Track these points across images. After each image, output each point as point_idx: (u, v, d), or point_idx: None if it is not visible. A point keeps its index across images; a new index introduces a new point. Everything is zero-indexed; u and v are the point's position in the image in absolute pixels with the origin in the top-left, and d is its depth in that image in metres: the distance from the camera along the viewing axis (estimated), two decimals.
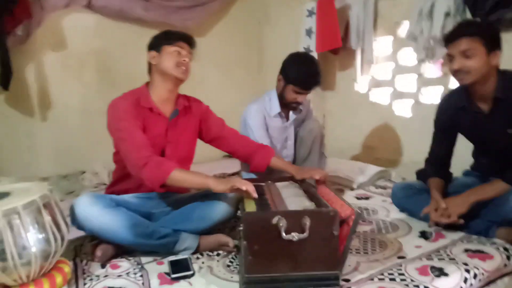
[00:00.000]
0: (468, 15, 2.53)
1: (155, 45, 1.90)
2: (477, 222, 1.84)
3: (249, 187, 1.63)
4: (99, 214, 1.67)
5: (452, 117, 1.98)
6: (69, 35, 3.35)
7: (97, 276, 1.62)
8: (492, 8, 2.34)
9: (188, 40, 1.92)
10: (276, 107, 2.40)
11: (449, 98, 2.00)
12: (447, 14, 2.56)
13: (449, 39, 1.78)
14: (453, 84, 2.71)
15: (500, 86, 1.77)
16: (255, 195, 1.63)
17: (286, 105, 2.40)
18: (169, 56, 1.85)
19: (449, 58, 1.79)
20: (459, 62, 1.74)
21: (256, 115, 2.38)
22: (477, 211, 1.83)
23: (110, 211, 1.69)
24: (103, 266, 1.71)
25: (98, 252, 1.72)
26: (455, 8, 2.55)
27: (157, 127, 1.89)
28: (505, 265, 1.61)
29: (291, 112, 2.46)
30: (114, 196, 1.84)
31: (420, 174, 2.13)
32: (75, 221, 1.69)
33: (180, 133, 1.96)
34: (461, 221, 1.79)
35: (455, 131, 2.03)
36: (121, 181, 1.94)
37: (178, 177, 1.70)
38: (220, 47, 4.11)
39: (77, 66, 3.42)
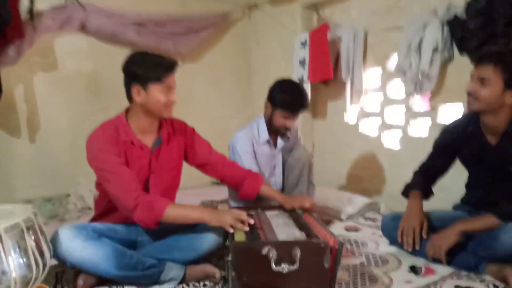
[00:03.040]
0: (456, 51, 2.60)
1: (140, 78, 1.69)
2: (464, 256, 1.83)
3: (244, 227, 1.58)
4: (81, 248, 1.62)
5: (456, 141, 1.97)
6: (60, 56, 3.33)
7: None
8: (479, 45, 2.40)
9: (175, 69, 1.75)
10: (264, 134, 2.41)
11: (459, 123, 2.00)
12: (435, 50, 2.63)
13: (478, 59, 1.78)
14: (442, 118, 2.77)
15: None
16: (247, 228, 1.59)
17: (275, 131, 2.41)
18: (158, 96, 1.70)
19: (471, 77, 1.79)
20: (472, 86, 1.75)
21: (245, 142, 2.38)
22: (464, 244, 1.83)
23: (92, 244, 1.63)
24: None
25: (80, 281, 1.67)
26: (443, 44, 2.61)
27: (139, 160, 1.80)
28: None
29: (279, 139, 2.46)
30: (97, 225, 1.77)
31: (405, 190, 2.13)
32: (56, 255, 1.61)
33: (164, 162, 1.87)
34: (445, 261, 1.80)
35: (454, 154, 2.03)
36: (105, 215, 1.85)
37: (172, 214, 1.66)
38: (211, 73, 4.13)
39: (67, 88, 3.38)
